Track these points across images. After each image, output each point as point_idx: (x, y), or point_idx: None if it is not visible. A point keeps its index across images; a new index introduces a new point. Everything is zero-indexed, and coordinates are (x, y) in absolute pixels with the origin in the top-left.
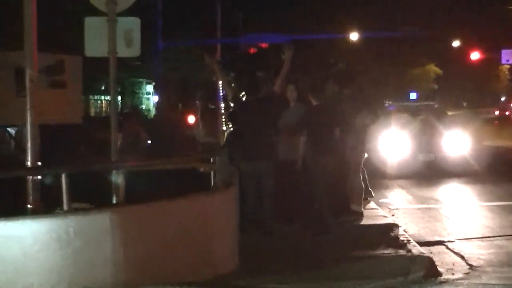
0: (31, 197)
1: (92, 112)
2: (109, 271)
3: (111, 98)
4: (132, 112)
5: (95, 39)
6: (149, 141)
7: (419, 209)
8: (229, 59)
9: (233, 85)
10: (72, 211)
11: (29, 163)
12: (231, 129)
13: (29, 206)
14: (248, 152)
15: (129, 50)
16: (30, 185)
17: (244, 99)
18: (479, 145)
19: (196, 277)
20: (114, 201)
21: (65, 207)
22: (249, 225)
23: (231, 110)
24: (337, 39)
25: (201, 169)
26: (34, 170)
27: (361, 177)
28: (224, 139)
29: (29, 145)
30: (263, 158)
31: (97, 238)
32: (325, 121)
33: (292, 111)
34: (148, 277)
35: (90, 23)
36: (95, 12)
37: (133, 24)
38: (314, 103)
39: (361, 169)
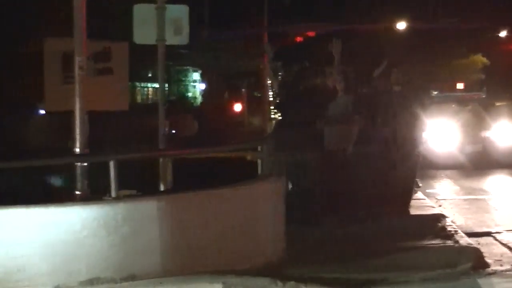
0: (79, 184)
1: (138, 99)
2: (156, 258)
3: (159, 85)
4: (179, 99)
5: (144, 27)
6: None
7: (466, 200)
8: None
9: (280, 74)
10: (120, 198)
11: (77, 150)
12: (279, 118)
13: (77, 192)
14: (295, 142)
15: (178, 38)
16: (78, 172)
17: (291, 88)
18: None
19: (245, 266)
20: (162, 188)
21: (113, 194)
22: (296, 215)
23: (278, 99)
24: (384, 29)
25: (249, 157)
26: (83, 157)
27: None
28: (272, 128)
29: (77, 132)
30: (310, 148)
31: (145, 225)
32: (370, 111)
33: (339, 101)
34: (195, 265)
35: (139, 10)
36: (145, 0)
37: (181, 12)
38: (361, 92)
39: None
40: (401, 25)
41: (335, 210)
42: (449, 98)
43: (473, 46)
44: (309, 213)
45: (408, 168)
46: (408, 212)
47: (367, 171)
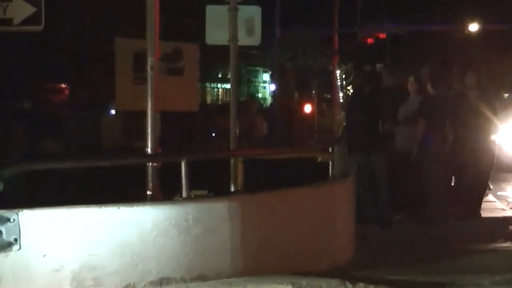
0: (150, 184)
1: (209, 100)
2: (226, 259)
3: (231, 86)
4: (249, 100)
5: (216, 27)
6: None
7: None
8: (347, 49)
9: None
10: (191, 198)
11: (149, 150)
12: (348, 119)
13: (148, 192)
14: (360, 144)
15: (250, 38)
16: (150, 172)
17: (358, 89)
18: None
19: (315, 267)
20: (232, 189)
21: (184, 194)
22: (365, 217)
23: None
24: (456, 30)
25: (319, 159)
26: (154, 157)
27: None
28: (341, 129)
29: (149, 131)
30: (375, 150)
31: (216, 226)
32: (438, 113)
33: (411, 102)
34: (266, 266)
35: (212, 11)
36: (217, 0)
37: (254, 12)
38: (432, 93)
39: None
40: (473, 27)
41: (404, 212)
42: None
43: None
44: (379, 214)
45: (481, 171)
46: (479, 214)
47: (437, 172)
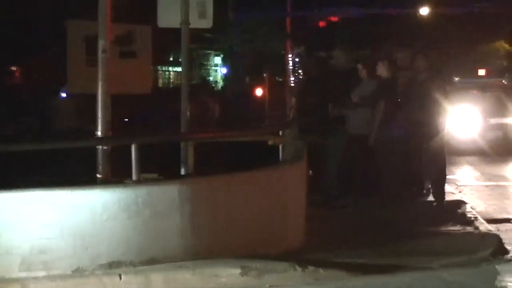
0: (101, 167)
1: (160, 83)
2: (177, 242)
3: (182, 69)
4: (200, 83)
5: (168, 10)
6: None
7: (487, 186)
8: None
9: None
10: (142, 181)
11: (99, 133)
12: (299, 102)
13: (99, 175)
14: (311, 127)
15: (202, 21)
16: (100, 155)
17: (309, 73)
18: None
19: (266, 250)
20: (183, 172)
21: (134, 177)
22: (318, 199)
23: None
24: (408, 13)
25: (270, 142)
26: (105, 140)
27: None
28: (292, 113)
29: (100, 115)
30: (326, 134)
31: (166, 209)
32: (394, 96)
33: (364, 85)
34: (217, 250)
35: None
36: None
37: None
38: (385, 77)
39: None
40: (424, 11)
41: (358, 195)
42: (471, 84)
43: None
44: (332, 197)
45: (435, 154)
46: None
47: (392, 156)
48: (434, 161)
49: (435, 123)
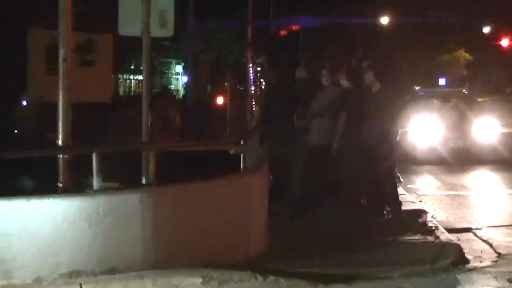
0: (62, 176)
1: (121, 91)
2: (138, 251)
3: (144, 78)
4: (162, 92)
5: (129, 19)
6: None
7: (447, 195)
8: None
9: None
10: (103, 190)
11: (60, 142)
12: (260, 112)
13: (59, 184)
14: (274, 137)
15: (163, 30)
16: (61, 164)
17: (274, 83)
18: (509, 132)
19: (228, 260)
20: (144, 181)
21: (95, 186)
22: (279, 209)
23: (261, 92)
24: (369, 23)
25: (232, 151)
26: (66, 149)
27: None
28: (254, 122)
29: (61, 123)
30: (290, 144)
31: (127, 218)
32: (355, 106)
33: (326, 93)
34: (178, 259)
35: (125, 2)
36: None
37: (167, 4)
38: (347, 87)
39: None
40: (384, 20)
41: (320, 204)
42: (432, 94)
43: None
44: (294, 206)
45: (386, 164)
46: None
47: (350, 166)
48: (384, 173)
49: (386, 134)
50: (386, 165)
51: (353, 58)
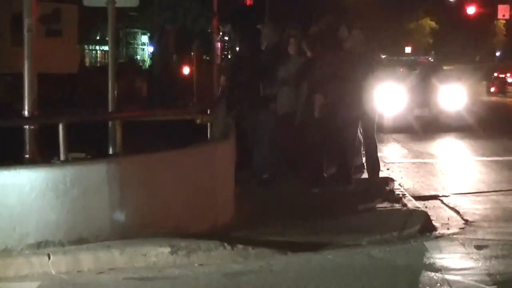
0: (28, 147)
1: (87, 62)
2: (106, 221)
3: (109, 48)
4: (128, 62)
5: None
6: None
7: (414, 163)
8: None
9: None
10: (69, 161)
11: (26, 113)
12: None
13: (26, 155)
14: (241, 105)
15: (128, 0)
16: (27, 135)
17: (239, 52)
18: (474, 100)
19: (195, 229)
20: (111, 151)
21: (62, 157)
22: (248, 177)
23: (227, 61)
24: None
25: (198, 121)
26: (32, 119)
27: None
28: (220, 92)
29: (26, 94)
30: (257, 112)
31: (95, 189)
32: (319, 74)
33: (291, 62)
34: (146, 228)
35: None
36: None
37: None
38: (309, 55)
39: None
40: None
41: (287, 172)
42: (397, 62)
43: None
44: (260, 174)
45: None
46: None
47: (318, 134)
48: (366, 136)
49: (365, 99)
50: (349, 133)
51: (315, 27)
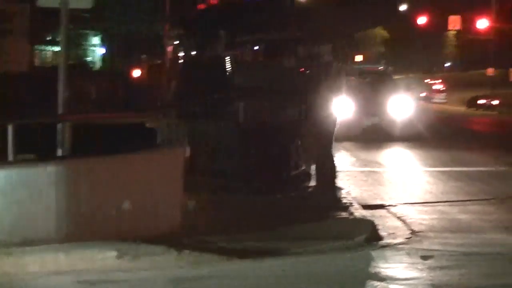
0: None
1: (38, 62)
2: (52, 224)
3: (60, 49)
4: (79, 64)
5: None
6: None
7: (362, 172)
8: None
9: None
10: (16, 162)
11: None
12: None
13: None
14: (195, 112)
15: (82, 1)
16: None
17: (193, 58)
18: (424, 110)
19: (143, 233)
20: (60, 154)
21: (10, 158)
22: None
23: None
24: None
25: (148, 125)
26: None
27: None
28: (171, 96)
29: None
30: (212, 118)
31: (41, 190)
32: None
33: (251, 73)
34: (93, 232)
35: None
36: None
37: None
38: (275, 65)
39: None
40: None
41: (240, 180)
42: (348, 70)
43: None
44: (216, 182)
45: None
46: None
47: (276, 144)
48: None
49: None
50: (304, 142)
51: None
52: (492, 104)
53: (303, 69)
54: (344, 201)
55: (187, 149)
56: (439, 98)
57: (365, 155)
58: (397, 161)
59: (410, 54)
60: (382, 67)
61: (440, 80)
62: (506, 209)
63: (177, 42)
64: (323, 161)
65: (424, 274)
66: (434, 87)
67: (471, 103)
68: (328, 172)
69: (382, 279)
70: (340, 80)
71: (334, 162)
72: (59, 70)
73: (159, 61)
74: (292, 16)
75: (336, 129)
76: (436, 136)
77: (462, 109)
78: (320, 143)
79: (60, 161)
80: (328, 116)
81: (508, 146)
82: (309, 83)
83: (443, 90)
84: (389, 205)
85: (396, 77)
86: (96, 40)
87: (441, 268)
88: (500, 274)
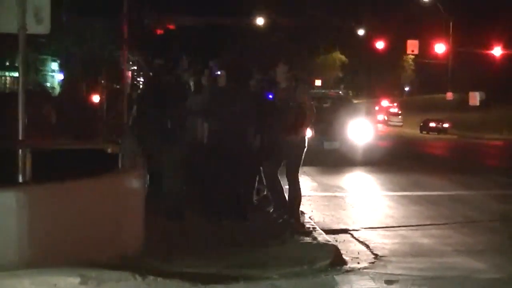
0: None
1: None
2: (13, 250)
3: (19, 74)
4: (38, 89)
5: (5, 15)
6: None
7: (324, 196)
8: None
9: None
10: None
11: None
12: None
13: None
14: (151, 137)
15: (39, 27)
16: None
17: (150, 82)
18: (383, 134)
19: (105, 259)
20: (21, 180)
21: None
22: (159, 208)
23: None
24: (244, 23)
25: (109, 150)
26: None
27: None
28: (131, 121)
29: None
30: (165, 143)
31: (2, 217)
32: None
33: (203, 93)
34: (54, 258)
35: None
36: None
37: (43, 0)
38: (221, 88)
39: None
40: (260, 21)
41: (199, 205)
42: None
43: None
44: (170, 207)
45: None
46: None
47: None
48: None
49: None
50: (243, 167)
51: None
52: (443, 127)
53: (265, 93)
54: (307, 226)
55: (147, 174)
56: (395, 121)
57: (326, 179)
58: (358, 185)
59: (369, 78)
60: (341, 92)
61: (396, 104)
62: (466, 233)
63: (135, 67)
64: (289, 186)
65: None
66: (390, 109)
67: (424, 126)
68: (292, 197)
69: None
70: (307, 104)
71: (300, 188)
72: (19, 95)
73: (118, 86)
74: (250, 41)
75: (303, 153)
76: (397, 161)
77: (417, 132)
78: (287, 169)
79: (21, 187)
80: (295, 141)
81: (463, 169)
82: (272, 108)
83: (398, 113)
84: (352, 230)
85: (356, 101)
86: (54, 65)
87: None
88: None
